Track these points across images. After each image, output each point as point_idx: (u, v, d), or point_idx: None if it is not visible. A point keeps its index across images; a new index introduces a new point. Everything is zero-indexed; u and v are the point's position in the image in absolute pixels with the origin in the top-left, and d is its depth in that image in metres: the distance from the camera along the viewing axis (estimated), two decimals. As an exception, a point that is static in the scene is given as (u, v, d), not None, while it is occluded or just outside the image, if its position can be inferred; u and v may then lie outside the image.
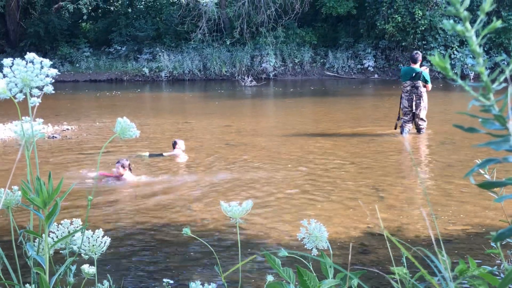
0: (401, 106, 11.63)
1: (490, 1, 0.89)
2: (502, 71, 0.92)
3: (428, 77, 11.41)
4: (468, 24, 0.90)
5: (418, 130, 11.56)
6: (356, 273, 1.55)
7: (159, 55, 29.08)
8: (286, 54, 29.38)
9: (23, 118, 1.59)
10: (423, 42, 27.68)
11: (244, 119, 14.94)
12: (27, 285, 1.64)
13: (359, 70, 29.31)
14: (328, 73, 29.29)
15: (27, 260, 1.62)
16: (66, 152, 10.39)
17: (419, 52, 11.68)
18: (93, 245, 1.74)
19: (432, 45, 27.30)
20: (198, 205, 6.84)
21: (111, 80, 29.02)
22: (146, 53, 30.12)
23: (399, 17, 27.14)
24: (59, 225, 1.74)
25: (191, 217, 6.37)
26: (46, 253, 1.53)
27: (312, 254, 1.65)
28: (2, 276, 1.67)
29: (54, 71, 1.52)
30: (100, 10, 34.38)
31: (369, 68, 29.09)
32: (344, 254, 5.05)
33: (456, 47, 27.39)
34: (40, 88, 1.50)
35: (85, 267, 1.78)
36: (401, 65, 27.89)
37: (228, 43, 29.48)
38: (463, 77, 25.84)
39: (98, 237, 1.76)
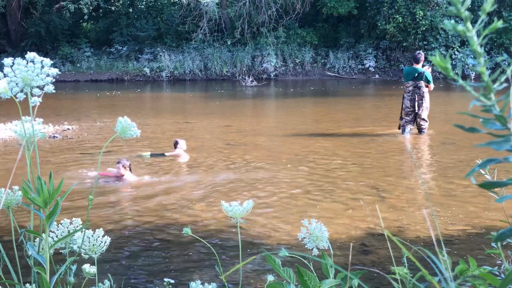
0: (403, 106, 11.63)
1: (491, 1, 0.89)
2: (503, 71, 0.92)
3: (430, 77, 11.41)
4: (469, 24, 0.89)
5: (420, 130, 11.56)
6: (356, 273, 1.55)
7: (160, 55, 29.09)
8: (287, 54, 29.38)
9: (23, 117, 1.59)
10: (424, 43, 27.68)
11: (245, 119, 14.94)
12: (27, 284, 1.64)
13: (360, 71, 29.30)
14: (329, 73, 29.28)
15: (27, 259, 1.62)
16: (66, 152, 10.40)
17: (421, 52, 11.68)
18: (93, 245, 1.74)
19: (433, 45, 27.30)
20: (199, 205, 6.84)
21: (112, 80, 29.03)
22: (147, 53, 30.13)
23: (400, 18, 27.13)
24: (59, 225, 1.74)
25: (192, 217, 6.38)
26: (46, 252, 1.53)
27: (312, 254, 1.65)
28: (2, 276, 1.67)
29: (54, 71, 1.52)
30: (101, 10, 34.39)
31: (370, 69, 29.09)
32: (345, 254, 5.05)
33: (457, 47, 27.38)
34: (41, 88, 1.50)
35: (86, 267, 1.79)
36: (402, 65, 27.90)
37: (229, 43, 29.48)
38: (464, 77, 25.78)
39: (98, 237, 1.76)
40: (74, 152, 10.40)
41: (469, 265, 1.35)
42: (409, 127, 11.56)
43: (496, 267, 1.67)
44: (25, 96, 1.48)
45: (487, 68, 0.92)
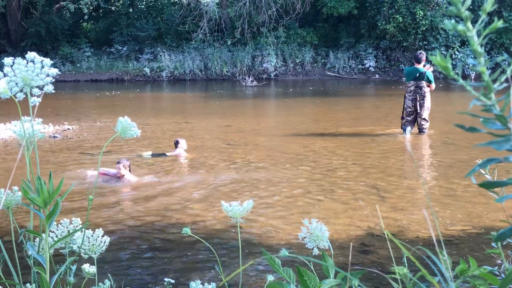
0: (405, 106, 11.64)
1: (491, 1, 0.88)
2: (503, 71, 0.92)
3: (431, 77, 11.42)
4: (469, 24, 0.89)
5: (420, 130, 11.56)
6: (356, 273, 1.55)
7: (160, 55, 29.10)
8: (287, 54, 29.38)
9: (23, 117, 1.59)
10: (424, 42, 27.68)
11: (245, 119, 14.94)
12: (28, 284, 1.64)
13: (360, 70, 29.30)
14: (329, 73, 29.28)
15: (27, 259, 1.62)
16: (66, 152, 10.40)
17: (423, 52, 11.68)
18: (93, 245, 1.74)
19: (433, 45, 27.29)
20: (199, 205, 6.84)
21: (112, 80, 29.03)
22: (147, 53, 30.13)
23: (400, 17, 27.13)
24: (59, 225, 1.74)
25: (192, 217, 6.38)
26: (46, 252, 1.53)
27: (313, 254, 1.65)
28: (2, 276, 1.67)
29: (54, 71, 1.52)
30: (101, 10, 34.39)
31: (370, 69, 29.09)
32: (345, 254, 5.05)
33: (457, 47, 27.39)
34: (41, 88, 1.50)
35: (86, 267, 1.79)
36: (402, 65, 27.92)
37: (229, 43, 29.49)
38: (464, 77, 25.80)
39: (97, 237, 1.76)
40: (74, 152, 10.40)
41: (470, 265, 1.35)
42: (410, 127, 11.57)
43: (496, 267, 1.67)
44: (24, 96, 1.48)
45: (487, 68, 0.92)
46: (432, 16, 27.02)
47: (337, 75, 29.09)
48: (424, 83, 11.40)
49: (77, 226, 1.75)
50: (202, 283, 1.75)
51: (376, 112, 16.13)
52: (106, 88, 24.71)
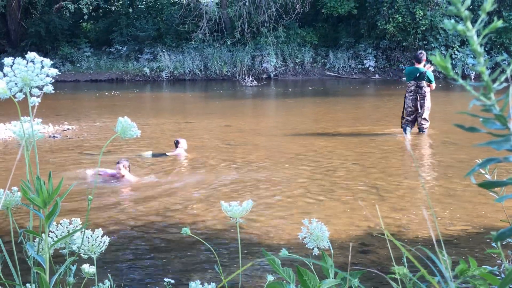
0: (405, 105, 11.65)
1: (491, 1, 0.88)
2: (503, 71, 0.92)
3: (432, 77, 11.42)
4: (469, 24, 0.89)
5: (420, 129, 11.56)
6: (355, 273, 1.55)
7: (160, 55, 29.10)
8: (287, 54, 29.39)
9: (22, 118, 1.59)
10: (424, 42, 27.68)
11: (245, 119, 14.94)
12: (28, 284, 1.64)
13: (360, 70, 29.31)
14: (329, 73, 29.29)
15: (27, 259, 1.62)
16: (66, 152, 10.40)
17: (423, 51, 11.68)
18: (92, 245, 1.74)
19: (433, 45, 27.30)
20: (200, 205, 6.84)
21: (112, 80, 29.03)
22: (147, 53, 30.13)
23: (400, 17, 27.14)
24: (59, 225, 1.74)
25: (193, 217, 6.38)
26: (46, 252, 1.53)
27: (313, 254, 1.65)
28: (2, 276, 1.67)
29: (54, 71, 1.52)
30: (101, 10, 34.39)
31: (370, 68, 29.10)
32: (345, 254, 5.05)
33: (457, 47, 27.39)
34: (40, 88, 1.50)
35: (85, 267, 1.78)
36: (402, 65, 27.93)
37: (229, 43, 29.49)
38: (464, 77, 25.83)
39: (97, 237, 1.76)
40: (74, 152, 10.41)
41: (469, 265, 1.35)
42: (410, 127, 11.58)
43: (496, 267, 1.67)
44: (24, 96, 1.48)
45: (487, 67, 0.92)
46: (431, 16, 27.02)
47: (337, 75, 29.09)
48: (424, 83, 11.41)
49: (76, 226, 1.75)
50: (202, 283, 1.75)
51: (376, 112, 16.13)
52: (106, 88, 24.71)
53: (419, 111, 11.47)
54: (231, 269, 4.76)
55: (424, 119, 11.51)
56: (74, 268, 1.72)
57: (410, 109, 11.57)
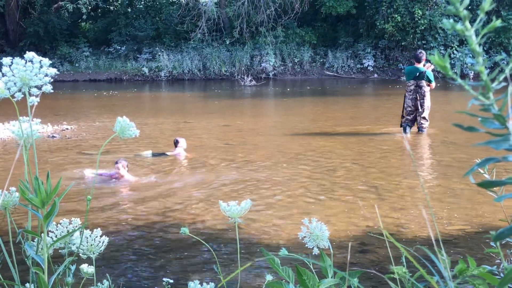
0: (405, 105, 11.66)
1: (489, 0, 0.88)
2: (501, 70, 0.92)
3: (431, 77, 11.43)
4: (467, 23, 0.89)
5: (420, 129, 11.57)
6: (354, 273, 1.55)
7: (159, 55, 29.08)
8: (286, 53, 29.38)
9: (21, 117, 1.59)
10: (423, 42, 27.69)
11: (244, 118, 14.94)
12: (27, 284, 1.64)
13: (358, 70, 29.31)
14: (327, 72, 29.29)
15: (26, 260, 1.62)
16: (65, 152, 10.39)
17: (423, 51, 11.69)
18: (91, 245, 1.74)
19: (431, 44, 27.30)
20: (200, 205, 6.84)
21: (110, 79, 29.01)
22: (145, 53, 30.11)
23: (399, 17, 27.14)
24: (58, 225, 1.74)
25: (192, 217, 6.37)
26: (45, 253, 1.53)
27: (313, 253, 1.65)
28: (0, 277, 1.67)
29: (53, 71, 1.52)
30: (99, 10, 34.37)
31: (368, 68, 29.10)
32: (344, 253, 5.05)
33: (456, 46, 27.40)
34: (39, 87, 1.49)
35: (84, 267, 1.78)
36: (401, 64, 27.94)
37: (227, 42, 29.48)
38: (463, 76, 25.85)
39: (96, 237, 1.76)
40: (73, 151, 10.40)
41: (468, 265, 1.35)
42: (409, 126, 11.60)
43: (495, 266, 1.67)
44: (23, 95, 1.48)
45: (485, 67, 0.92)
46: (430, 16, 27.03)
47: (335, 74, 29.10)
48: (424, 83, 11.42)
49: (76, 227, 1.75)
50: (201, 283, 1.74)
51: (375, 111, 16.14)
52: (105, 88, 24.69)
53: (419, 110, 11.49)
54: (231, 269, 4.76)
55: (424, 118, 11.52)
56: (73, 268, 1.72)
57: (409, 109, 11.58)
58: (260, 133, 12.24)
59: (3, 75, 1.48)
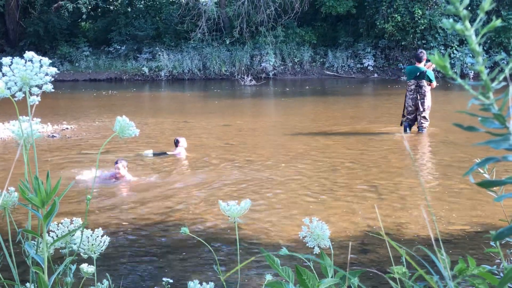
0: (406, 104, 11.68)
1: (489, 0, 0.88)
2: (501, 70, 0.92)
3: (432, 76, 11.44)
4: (467, 23, 0.89)
5: (420, 128, 11.58)
6: (355, 272, 1.55)
7: (159, 55, 29.08)
8: (286, 53, 29.38)
9: (21, 117, 1.59)
10: (423, 42, 27.70)
11: (244, 118, 14.94)
12: (27, 283, 1.64)
13: (358, 70, 29.31)
14: (327, 72, 29.29)
15: (26, 259, 1.62)
16: (65, 151, 10.39)
17: (424, 51, 11.70)
18: (92, 244, 1.74)
19: (431, 44, 27.31)
20: (201, 205, 6.84)
21: (110, 79, 29.01)
22: (145, 53, 30.12)
23: (399, 17, 27.14)
24: (59, 224, 1.74)
25: (192, 217, 6.37)
26: (44, 252, 1.53)
27: (314, 253, 1.65)
28: (1, 276, 1.67)
29: (53, 70, 1.52)
30: (99, 10, 34.37)
31: (368, 68, 29.10)
32: (344, 253, 5.05)
33: (456, 46, 27.40)
34: (40, 87, 1.49)
35: (84, 266, 1.78)
36: (401, 64, 27.95)
37: (227, 42, 29.48)
38: (463, 76, 25.86)
39: (97, 237, 1.76)
40: (73, 151, 10.40)
41: (468, 264, 1.35)
42: (410, 125, 11.64)
43: (495, 266, 1.67)
44: (23, 95, 1.48)
45: (485, 67, 0.92)
46: (430, 15, 27.03)
47: (335, 74, 29.10)
48: (424, 82, 11.43)
49: (77, 226, 1.75)
50: (200, 283, 1.75)
51: (375, 111, 16.14)
52: (105, 88, 24.69)
53: (419, 109, 11.50)
54: (231, 268, 4.75)
55: (424, 117, 11.53)
56: (73, 267, 1.72)
57: (410, 108, 11.60)
58: (260, 133, 12.24)
59: (3, 74, 1.48)
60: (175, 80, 28.52)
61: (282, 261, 1.66)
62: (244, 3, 28.85)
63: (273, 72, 28.75)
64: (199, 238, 2.23)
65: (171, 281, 2.48)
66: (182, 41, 30.35)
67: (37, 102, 1.49)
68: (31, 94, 1.49)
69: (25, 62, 1.50)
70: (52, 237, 1.69)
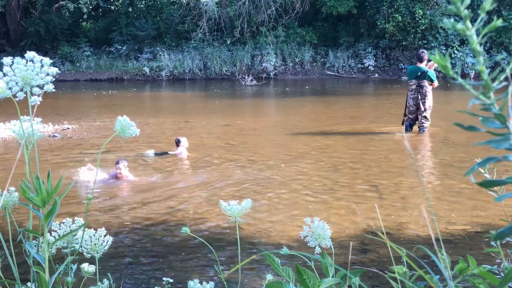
0: (407, 104, 11.70)
1: (490, 0, 0.88)
2: (502, 70, 0.92)
3: (433, 76, 11.44)
4: (468, 23, 0.89)
5: (420, 128, 11.58)
6: (355, 272, 1.55)
7: (160, 55, 29.08)
8: (287, 53, 29.38)
9: (22, 117, 1.59)
10: (424, 42, 27.69)
11: (245, 118, 14.94)
12: (29, 283, 1.64)
13: (359, 70, 29.31)
14: (328, 72, 29.28)
15: (27, 259, 1.62)
16: (66, 151, 10.39)
17: (425, 51, 11.70)
18: (95, 244, 1.75)
19: (432, 44, 27.30)
20: (202, 204, 6.84)
21: (111, 79, 29.02)
22: (146, 53, 30.12)
23: (400, 17, 27.13)
24: (61, 224, 1.74)
25: (195, 217, 6.37)
26: (45, 252, 1.53)
27: (315, 252, 1.65)
28: (1, 275, 1.67)
29: (54, 70, 1.52)
30: (100, 9, 34.37)
31: (369, 68, 29.09)
32: (345, 253, 5.05)
33: (457, 46, 27.40)
34: (41, 87, 1.50)
35: (85, 266, 1.79)
36: (402, 64, 27.94)
37: (228, 42, 29.48)
38: (464, 76, 25.83)
39: (100, 236, 1.76)
40: (74, 151, 10.40)
41: (469, 264, 1.35)
42: (411, 125, 11.65)
43: (496, 266, 1.67)
44: (24, 95, 1.49)
45: (486, 67, 0.92)
46: (431, 15, 27.02)
47: (336, 74, 29.09)
48: (426, 82, 11.43)
49: (78, 226, 1.75)
50: (200, 282, 1.75)
51: (375, 111, 16.13)
52: (106, 88, 24.70)
53: (420, 109, 11.50)
54: (231, 268, 4.76)
55: (425, 117, 11.53)
56: (74, 267, 1.72)
57: (411, 108, 11.61)
58: (261, 133, 12.24)
59: (5, 74, 1.49)
60: (176, 80, 28.53)
61: (283, 260, 1.66)
62: (245, 3, 28.85)
63: (274, 72, 28.75)
64: (200, 238, 2.24)
65: (171, 280, 2.48)
66: (183, 41, 30.36)
67: (38, 102, 1.49)
68: (32, 94, 1.49)
69: (26, 62, 1.50)
70: (54, 236, 1.70)
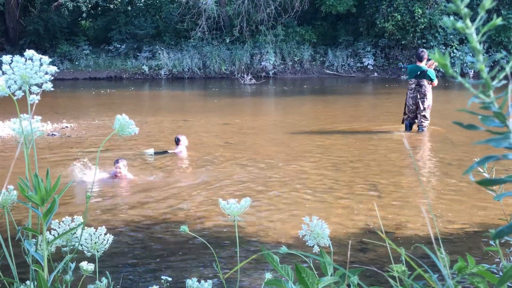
0: (407, 103, 11.72)
1: (490, -2, 0.88)
2: (501, 69, 0.92)
3: (433, 76, 11.45)
4: (468, 21, 0.89)
5: (420, 127, 11.59)
6: (354, 270, 1.55)
7: (159, 53, 29.07)
8: (286, 52, 29.38)
9: (21, 115, 1.59)
10: (423, 41, 27.69)
11: (244, 117, 14.94)
12: (28, 281, 1.64)
13: (358, 69, 29.31)
14: (327, 71, 29.28)
15: (26, 257, 1.62)
16: (65, 150, 10.39)
17: (424, 50, 11.71)
18: (95, 242, 1.74)
19: (431, 43, 27.31)
20: (201, 203, 6.84)
21: (110, 78, 28.99)
22: (145, 51, 30.10)
23: (399, 16, 27.14)
24: (61, 222, 1.74)
25: (194, 215, 6.37)
26: (44, 250, 1.53)
27: (313, 251, 1.65)
28: (0, 274, 1.67)
29: (53, 68, 1.52)
30: (99, 8, 34.35)
31: (368, 67, 29.10)
32: (344, 252, 5.05)
33: (456, 45, 27.41)
34: (39, 86, 1.49)
35: (84, 264, 1.78)
36: (401, 63, 27.95)
37: (227, 41, 29.47)
38: (463, 75, 25.84)
39: (100, 235, 1.76)
40: (72, 150, 10.40)
41: (468, 263, 1.35)
42: (411, 124, 11.67)
43: (495, 265, 1.67)
44: (23, 93, 1.48)
45: (486, 65, 0.92)
46: (430, 14, 27.03)
47: (335, 73, 29.09)
48: (425, 81, 11.44)
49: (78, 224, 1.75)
50: (199, 281, 1.75)
51: (375, 110, 16.14)
52: (105, 86, 24.68)
53: (420, 108, 11.51)
54: (230, 267, 4.76)
55: (424, 116, 11.53)
56: (73, 265, 1.72)
57: (411, 107, 11.63)
58: (260, 132, 12.24)
59: (3, 73, 1.48)
60: (175, 79, 28.51)
61: (282, 259, 1.66)
62: (244, 2, 28.84)
63: (273, 71, 28.75)
64: (199, 237, 2.24)
65: (170, 279, 2.48)
66: (182, 39, 30.34)
67: (37, 101, 1.49)
68: (31, 92, 1.49)
69: (25, 61, 1.50)
70: (53, 235, 1.69)
